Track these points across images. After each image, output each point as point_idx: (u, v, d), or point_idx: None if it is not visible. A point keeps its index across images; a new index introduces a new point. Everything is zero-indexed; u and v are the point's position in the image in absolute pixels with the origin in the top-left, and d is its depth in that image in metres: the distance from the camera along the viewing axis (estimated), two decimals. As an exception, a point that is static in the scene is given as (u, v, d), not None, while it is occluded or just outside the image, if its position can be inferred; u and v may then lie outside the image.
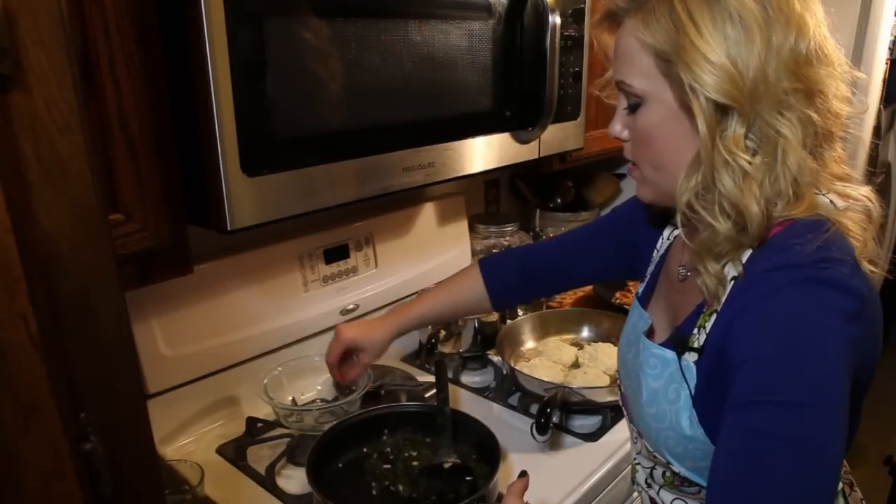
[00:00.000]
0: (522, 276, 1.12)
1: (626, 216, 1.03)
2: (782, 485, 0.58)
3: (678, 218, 0.71)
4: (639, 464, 0.91)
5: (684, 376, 0.75)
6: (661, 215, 0.92)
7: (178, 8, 0.76)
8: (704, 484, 0.78)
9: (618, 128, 0.78)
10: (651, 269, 0.93)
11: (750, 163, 0.65)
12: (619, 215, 1.07)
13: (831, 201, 0.69)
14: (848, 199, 0.70)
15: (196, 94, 0.79)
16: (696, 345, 0.74)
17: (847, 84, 0.69)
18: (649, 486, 0.89)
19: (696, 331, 0.75)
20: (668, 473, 0.83)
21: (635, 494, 1.20)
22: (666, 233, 0.93)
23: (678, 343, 0.76)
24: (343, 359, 1.11)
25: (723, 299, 0.71)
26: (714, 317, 0.72)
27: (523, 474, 0.82)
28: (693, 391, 0.73)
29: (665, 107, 0.70)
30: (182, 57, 0.78)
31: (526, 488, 0.80)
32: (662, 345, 0.80)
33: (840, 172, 0.71)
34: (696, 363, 0.73)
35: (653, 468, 0.86)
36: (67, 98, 0.43)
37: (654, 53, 0.68)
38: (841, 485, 0.82)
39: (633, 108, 0.74)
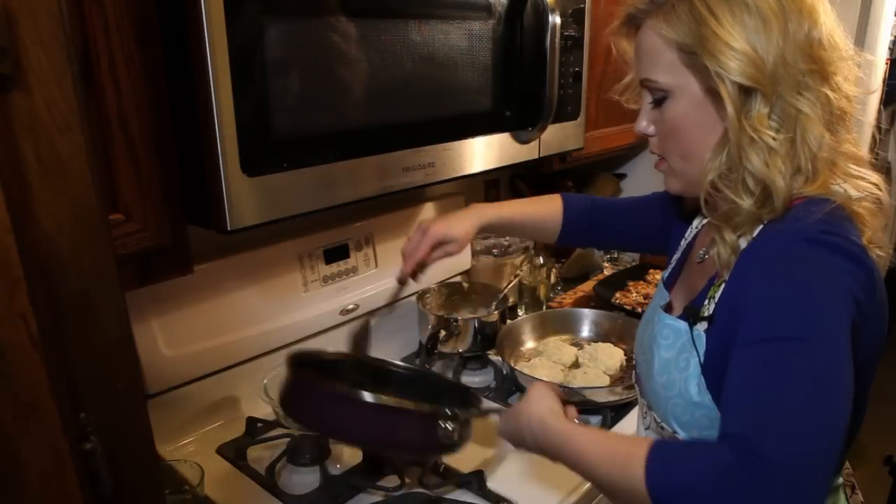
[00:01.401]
0: (590, 224, 1.16)
1: (667, 198, 1.05)
2: (795, 412, 0.61)
3: (701, 196, 0.76)
4: None
5: (695, 345, 0.78)
6: (694, 206, 0.95)
7: (178, 8, 0.76)
8: None
9: (644, 124, 0.82)
10: (678, 255, 0.97)
11: (774, 139, 0.70)
12: (664, 195, 1.08)
13: (846, 191, 0.73)
14: (862, 189, 0.74)
15: (196, 94, 0.79)
16: (706, 314, 0.77)
17: (857, 66, 0.75)
18: None
19: (706, 302, 0.78)
20: None
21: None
22: (695, 222, 0.96)
23: (690, 314, 0.80)
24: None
25: (732, 269, 0.74)
26: (723, 286, 0.76)
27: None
28: (702, 359, 0.77)
29: (690, 96, 0.75)
30: (182, 57, 0.78)
31: (559, 395, 0.82)
32: (677, 318, 0.84)
33: (853, 152, 0.75)
34: (707, 332, 0.77)
35: None
36: (67, 98, 0.43)
37: (677, 48, 0.73)
38: (841, 479, 0.84)
39: (659, 103, 0.78)
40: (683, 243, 0.97)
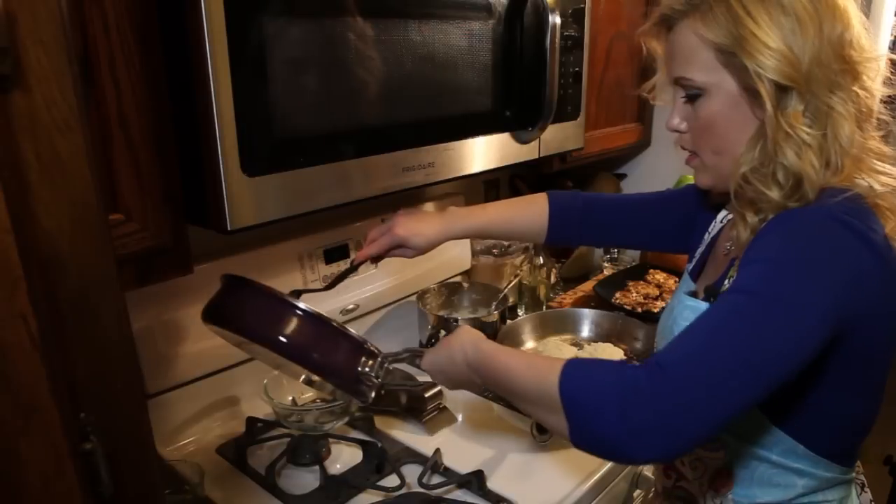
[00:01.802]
0: (584, 221, 1.15)
1: (692, 192, 1.06)
2: (718, 350, 0.65)
3: (731, 187, 0.78)
4: None
5: None
6: (718, 201, 0.97)
7: (178, 8, 0.76)
8: (726, 439, 0.82)
9: (676, 121, 0.85)
10: (701, 249, 0.98)
11: (808, 134, 0.73)
12: (687, 190, 1.09)
13: (869, 185, 0.75)
14: (885, 185, 0.76)
15: (196, 95, 0.79)
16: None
17: (886, 67, 0.78)
18: None
19: (726, 282, 0.82)
20: None
21: (637, 492, 1.21)
22: (720, 216, 0.97)
23: (710, 294, 0.83)
24: None
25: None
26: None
27: None
28: None
29: (726, 94, 0.77)
30: (182, 57, 0.78)
31: None
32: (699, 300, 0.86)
33: (879, 148, 0.78)
34: None
35: None
36: (67, 98, 0.44)
37: (714, 48, 0.76)
38: (853, 474, 0.87)
39: (692, 100, 0.81)
40: (707, 237, 0.98)
